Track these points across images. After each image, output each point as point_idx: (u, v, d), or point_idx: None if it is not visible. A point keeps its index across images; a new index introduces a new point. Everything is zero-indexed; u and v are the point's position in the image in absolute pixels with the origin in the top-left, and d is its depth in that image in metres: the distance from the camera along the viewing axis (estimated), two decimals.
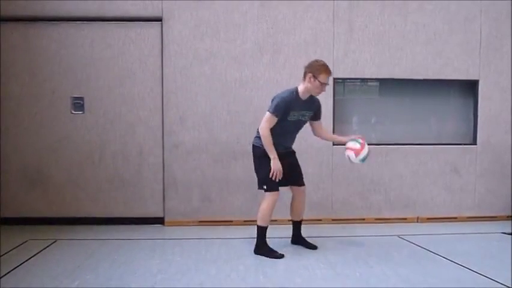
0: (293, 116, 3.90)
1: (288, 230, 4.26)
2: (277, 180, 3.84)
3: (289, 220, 4.27)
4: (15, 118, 4.96)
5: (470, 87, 5.33)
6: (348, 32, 5.09)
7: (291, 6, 5.03)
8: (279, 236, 4.22)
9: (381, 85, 5.42)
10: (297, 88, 3.92)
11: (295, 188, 4.11)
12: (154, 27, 4.98)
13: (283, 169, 3.87)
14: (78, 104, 4.98)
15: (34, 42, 4.93)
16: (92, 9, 4.92)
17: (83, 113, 4.98)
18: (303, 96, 3.91)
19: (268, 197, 3.90)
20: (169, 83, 5.00)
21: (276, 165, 3.82)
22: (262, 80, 5.04)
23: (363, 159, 3.95)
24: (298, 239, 4.22)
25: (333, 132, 5.08)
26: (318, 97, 4.03)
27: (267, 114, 3.86)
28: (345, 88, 5.42)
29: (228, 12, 4.99)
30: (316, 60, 3.93)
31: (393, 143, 5.25)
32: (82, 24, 4.94)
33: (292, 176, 4.06)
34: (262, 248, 3.94)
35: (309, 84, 3.86)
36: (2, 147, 4.97)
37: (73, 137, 4.99)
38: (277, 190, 3.90)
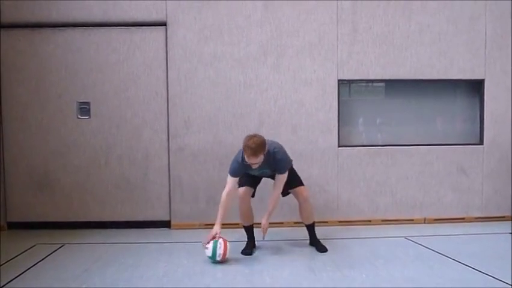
0: (253, 172, 3.92)
1: (295, 233, 4.27)
2: (206, 247, 3.76)
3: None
4: (22, 123, 5.01)
5: (475, 87, 5.30)
6: (352, 33, 5.08)
7: (294, 8, 5.04)
8: (285, 238, 4.23)
9: (386, 86, 5.40)
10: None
11: (291, 191, 4.10)
12: (158, 32, 5.01)
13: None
14: (84, 108, 5.02)
15: (40, 48, 4.98)
16: (97, 15, 4.97)
17: (89, 117, 5.02)
18: None
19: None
20: (174, 86, 5.02)
21: (212, 231, 3.80)
22: (266, 82, 5.05)
23: (213, 256, 3.73)
24: (311, 242, 4.22)
25: (339, 133, 5.09)
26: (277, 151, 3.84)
27: (228, 176, 3.89)
28: (350, 89, 5.41)
29: (232, 15, 5.01)
30: (250, 138, 3.66)
31: (399, 144, 5.23)
32: (87, 30, 4.98)
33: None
34: None
35: None
36: (9, 152, 5.02)
37: (80, 141, 5.03)
38: (242, 186, 3.98)
